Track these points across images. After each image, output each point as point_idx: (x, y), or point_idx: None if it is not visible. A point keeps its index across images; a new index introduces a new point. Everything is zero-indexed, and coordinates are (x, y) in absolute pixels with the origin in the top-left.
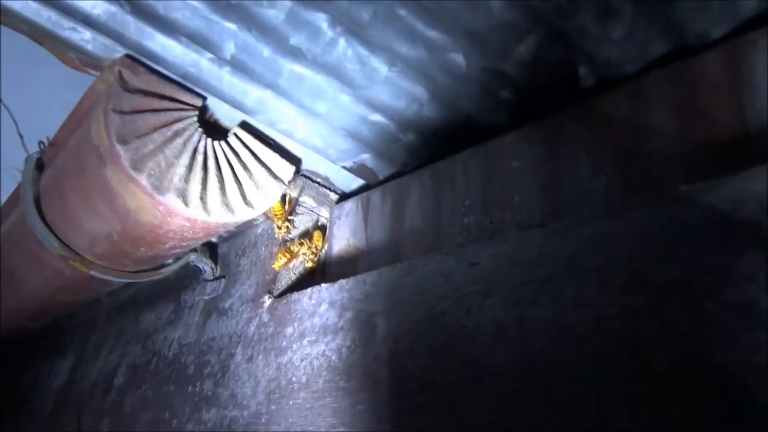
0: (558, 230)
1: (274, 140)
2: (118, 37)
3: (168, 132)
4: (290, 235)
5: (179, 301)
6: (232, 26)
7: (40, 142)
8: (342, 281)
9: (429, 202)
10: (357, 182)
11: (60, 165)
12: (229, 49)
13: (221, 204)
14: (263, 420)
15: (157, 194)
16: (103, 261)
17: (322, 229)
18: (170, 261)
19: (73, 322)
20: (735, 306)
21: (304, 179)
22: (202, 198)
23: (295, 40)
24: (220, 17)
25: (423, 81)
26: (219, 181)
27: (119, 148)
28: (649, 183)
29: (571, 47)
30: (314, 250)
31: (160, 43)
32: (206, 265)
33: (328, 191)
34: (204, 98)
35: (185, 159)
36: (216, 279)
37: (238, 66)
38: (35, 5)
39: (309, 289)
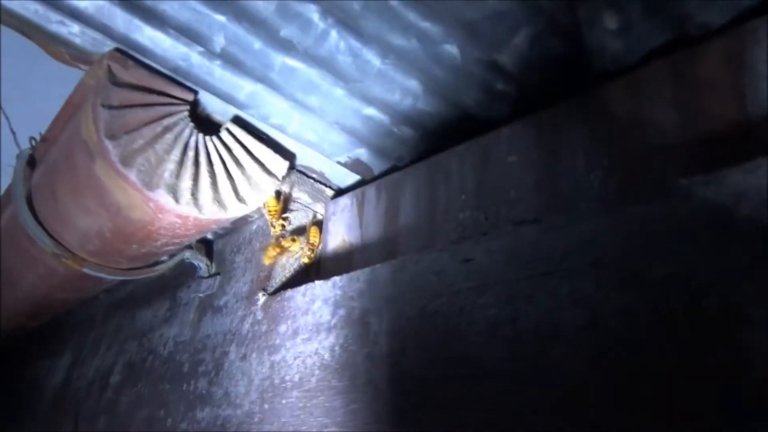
0: (553, 226)
1: (267, 135)
2: (106, 30)
3: (158, 127)
4: (285, 232)
5: (175, 299)
6: (221, 18)
7: (32, 138)
8: (335, 278)
9: (424, 198)
10: (352, 177)
11: (51, 161)
12: (219, 41)
13: (213, 200)
14: (256, 419)
15: (147, 190)
16: (96, 258)
17: (319, 225)
18: (165, 258)
19: (72, 320)
20: (734, 304)
21: (299, 175)
22: (194, 194)
23: (286, 32)
24: (209, 9)
25: (417, 73)
26: (210, 177)
27: (108, 143)
28: (648, 177)
29: (568, 38)
30: (311, 247)
31: (148, 36)
32: (201, 262)
33: (323, 187)
34: (195, 92)
35: (176, 154)
36: (211, 276)
37: (228, 59)
38: None
39: (303, 287)
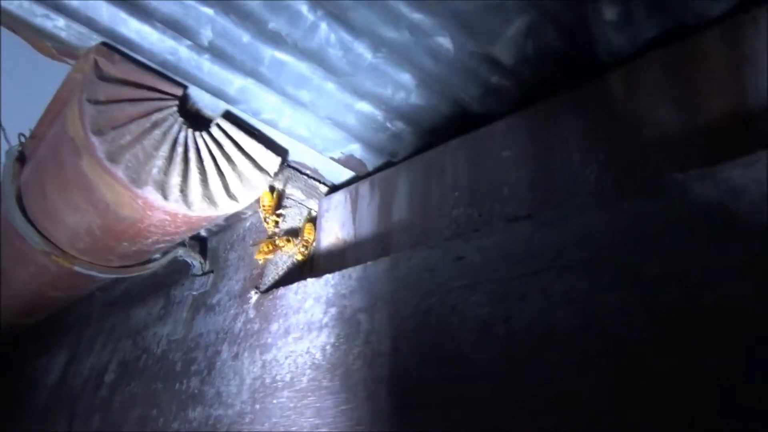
0: (547, 222)
1: (258, 130)
2: (91, 24)
3: (146, 122)
4: (278, 229)
5: (169, 297)
6: (208, 11)
7: (20, 135)
8: (327, 276)
9: (417, 194)
10: (346, 174)
11: (39, 158)
12: (207, 35)
13: (203, 197)
14: (247, 419)
15: (135, 187)
16: (87, 256)
17: (313, 221)
18: (158, 256)
19: (69, 317)
20: (733, 302)
21: (292, 171)
22: (183, 191)
23: (274, 24)
24: (196, 1)
25: (409, 67)
26: (200, 174)
27: (94, 139)
28: (644, 172)
29: (563, 30)
30: (305, 243)
31: (135, 30)
32: (195, 260)
33: (317, 183)
34: (185, 87)
35: (164, 150)
36: (205, 274)
37: (217, 53)
38: None
39: (295, 284)
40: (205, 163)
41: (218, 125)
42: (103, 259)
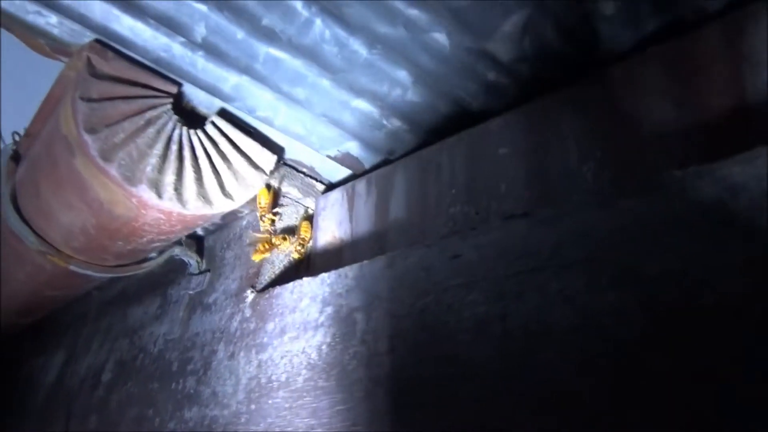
0: (543, 220)
1: (254, 128)
2: (83, 20)
3: (140, 120)
4: (275, 227)
5: (166, 296)
6: (202, 7)
7: (15, 133)
8: (323, 275)
9: (414, 192)
10: (343, 172)
11: (33, 156)
12: (200, 31)
13: (197, 195)
14: (243, 420)
15: (129, 185)
16: (82, 255)
17: (310, 219)
18: (154, 255)
19: (66, 317)
20: (732, 301)
21: (289, 169)
22: (177, 189)
23: (268, 20)
24: None
25: (405, 63)
26: (195, 172)
27: (87, 137)
28: (642, 169)
29: (560, 25)
30: (302, 242)
31: (128, 27)
32: (191, 259)
33: (313, 181)
34: (179, 85)
35: (159, 148)
36: (201, 273)
37: (211, 50)
38: None
39: (291, 284)
40: (200, 161)
41: (213, 123)
42: (99, 258)
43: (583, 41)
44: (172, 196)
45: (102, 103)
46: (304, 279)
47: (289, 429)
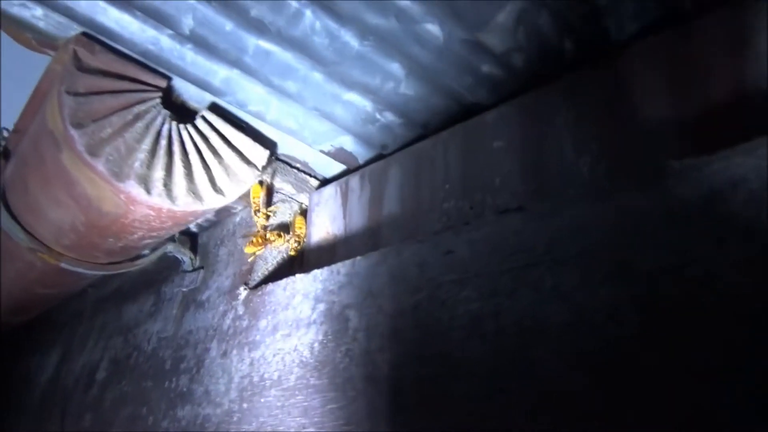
0: (537, 215)
1: (246, 123)
2: (69, 13)
3: (128, 115)
4: (269, 223)
5: (159, 294)
6: None
7: (3, 129)
8: (316, 271)
9: (408, 187)
10: (337, 167)
11: (22, 153)
12: (188, 23)
13: (187, 191)
14: (235, 418)
15: (117, 181)
16: (73, 253)
17: (305, 215)
18: (146, 252)
19: (62, 315)
20: (731, 297)
21: (282, 164)
22: (166, 185)
23: (257, 11)
24: None
25: (398, 55)
26: (185, 167)
27: (74, 132)
28: (639, 162)
29: (555, 15)
30: (296, 238)
31: (114, 19)
32: (185, 256)
33: (307, 177)
34: (169, 79)
35: (147, 143)
36: (195, 270)
37: (200, 42)
38: None
39: (284, 280)
40: (190, 156)
41: (204, 117)
42: (90, 255)
43: (578, 32)
44: (161, 191)
45: (89, 98)
46: (297, 276)
47: (281, 428)
